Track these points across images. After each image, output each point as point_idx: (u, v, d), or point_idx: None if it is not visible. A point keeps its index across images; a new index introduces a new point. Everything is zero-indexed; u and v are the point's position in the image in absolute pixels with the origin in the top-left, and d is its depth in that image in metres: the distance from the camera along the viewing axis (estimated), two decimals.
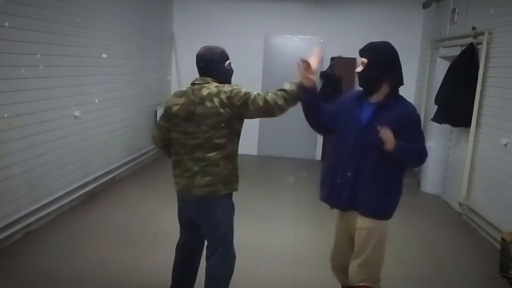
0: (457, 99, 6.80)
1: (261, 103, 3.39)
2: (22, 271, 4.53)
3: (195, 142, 3.47)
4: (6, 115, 4.88)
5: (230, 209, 3.67)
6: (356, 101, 3.49)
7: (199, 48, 3.59)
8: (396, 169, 3.49)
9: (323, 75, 9.49)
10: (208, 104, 3.41)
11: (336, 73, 9.29)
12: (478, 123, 6.61)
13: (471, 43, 6.79)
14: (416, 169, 9.05)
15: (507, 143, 5.79)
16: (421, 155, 3.42)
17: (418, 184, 8.57)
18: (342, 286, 3.84)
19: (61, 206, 6.08)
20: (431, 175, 8.22)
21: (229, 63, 3.65)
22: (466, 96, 6.67)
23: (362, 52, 3.43)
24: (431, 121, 7.67)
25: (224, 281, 3.71)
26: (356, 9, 10.12)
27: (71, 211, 6.21)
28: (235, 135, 3.56)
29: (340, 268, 3.76)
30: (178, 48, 10.39)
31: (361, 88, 3.54)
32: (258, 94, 3.45)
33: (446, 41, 8.06)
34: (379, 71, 3.33)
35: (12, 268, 4.59)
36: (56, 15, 5.73)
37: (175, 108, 3.53)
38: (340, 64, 9.48)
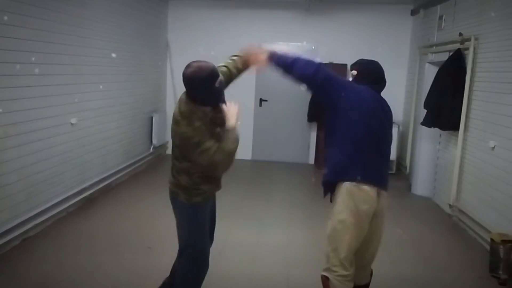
0: (446, 104, 6.81)
1: (204, 162, 3.28)
2: (20, 277, 4.50)
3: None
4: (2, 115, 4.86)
5: (191, 218, 3.58)
6: None
7: (201, 59, 3.37)
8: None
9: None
10: (172, 124, 3.42)
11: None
12: (466, 126, 6.61)
13: (458, 49, 6.81)
14: (407, 172, 9.06)
15: (494, 146, 5.80)
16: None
17: (409, 186, 8.56)
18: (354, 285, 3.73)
19: (58, 213, 6.05)
20: (421, 177, 8.22)
21: (220, 81, 3.37)
22: (454, 100, 6.68)
23: (353, 65, 3.88)
24: (421, 125, 7.69)
25: (187, 285, 3.72)
26: (347, 17, 10.14)
27: (68, 217, 6.18)
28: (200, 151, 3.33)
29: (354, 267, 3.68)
30: (173, 56, 10.37)
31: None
32: (205, 150, 3.24)
33: (434, 47, 8.08)
34: (367, 82, 3.67)
35: (10, 274, 4.55)
36: (52, 24, 5.71)
37: None
38: (331, 71, 9.44)
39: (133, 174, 8.52)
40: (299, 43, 10.11)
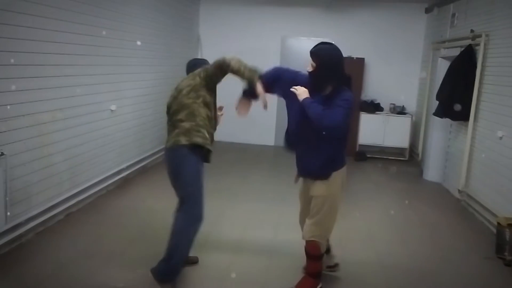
0: (457, 96, 6.71)
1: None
2: (64, 248, 4.57)
3: (172, 109, 3.88)
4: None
5: (194, 166, 3.80)
6: (308, 89, 3.59)
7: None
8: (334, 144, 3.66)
9: (344, 77, 9.41)
10: (185, 80, 3.90)
11: (346, 72, 9.16)
12: (476, 117, 6.51)
13: (470, 45, 6.69)
14: (419, 159, 8.98)
15: (502, 135, 5.70)
16: (327, 115, 3.42)
17: (421, 172, 8.49)
18: None
19: (99, 191, 6.11)
20: (432, 164, 8.13)
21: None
22: (465, 92, 6.57)
23: (313, 55, 3.56)
24: (433, 115, 7.60)
25: (186, 235, 3.87)
26: (365, 14, 10.02)
27: (108, 195, 6.25)
28: (202, 100, 3.79)
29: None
30: (204, 49, 10.35)
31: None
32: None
33: (447, 43, 7.94)
34: (325, 75, 3.53)
35: (56, 245, 4.63)
36: (95, 20, 5.73)
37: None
38: (349, 64, 9.36)
39: None
40: (319, 38, 10.02)
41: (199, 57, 10.32)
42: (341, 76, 3.60)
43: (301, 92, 3.52)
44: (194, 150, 3.77)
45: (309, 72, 3.61)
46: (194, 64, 4.11)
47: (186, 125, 3.75)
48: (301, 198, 4.07)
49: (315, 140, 3.62)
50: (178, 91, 3.86)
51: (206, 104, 3.82)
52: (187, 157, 3.77)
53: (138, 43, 6.81)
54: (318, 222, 3.75)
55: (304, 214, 4.00)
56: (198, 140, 3.75)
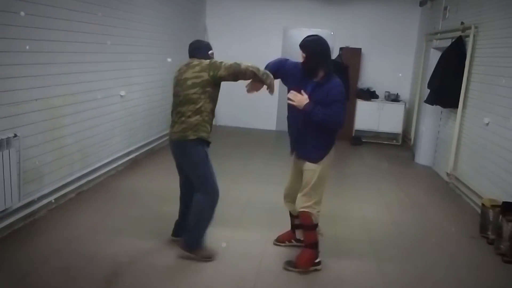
0: (447, 84, 6.66)
1: (227, 65, 3.70)
2: (74, 224, 4.58)
3: (179, 99, 3.83)
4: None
5: (201, 153, 3.85)
6: (302, 76, 3.78)
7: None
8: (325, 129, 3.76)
9: (333, 63, 9.35)
10: (191, 70, 3.80)
11: (343, 61, 9.09)
12: (465, 104, 6.47)
13: (460, 36, 6.63)
14: (412, 144, 8.95)
15: (488, 122, 5.67)
16: (331, 116, 3.61)
17: (413, 156, 8.46)
18: (290, 214, 4.38)
19: (108, 171, 6.11)
20: (424, 149, 8.10)
21: (212, 53, 4.01)
22: (455, 81, 6.52)
23: (302, 48, 3.74)
24: (424, 103, 7.56)
25: (206, 210, 3.95)
26: (362, 6, 9.93)
27: (117, 175, 6.24)
28: (208, 95, 3.77)
29: (292, 200, 4.13)
30: (210, 39, 10.23)
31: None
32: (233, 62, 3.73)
33: (439, 34, 7.87)
34: (315, 63, 3.70)
35: (66, 221, 4.64)
36: (104, 10, 5.68)
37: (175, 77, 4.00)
38: (347, 53, 9.31)
39: None
40: (319, 29, 9.94)
41: None
42: (329, 62, 3.79)
43: (300, 100, 3.65)
44: (200, 140, 3.83)
45: (301, 63, 3.78)
46: (198, 48, 3.98)
47: (193, 121, 3.76)
48: (292, 169, 4.16)
49: (310, 128, 3.76)
50: (183, 80, 3.80)
51: (212, 99, 3.83)
52: (195, 147, 3.83)
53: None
54: (308, 193, 3.86)
55: (291, 187, 4.15)
56: (204, 135, 3.82)
